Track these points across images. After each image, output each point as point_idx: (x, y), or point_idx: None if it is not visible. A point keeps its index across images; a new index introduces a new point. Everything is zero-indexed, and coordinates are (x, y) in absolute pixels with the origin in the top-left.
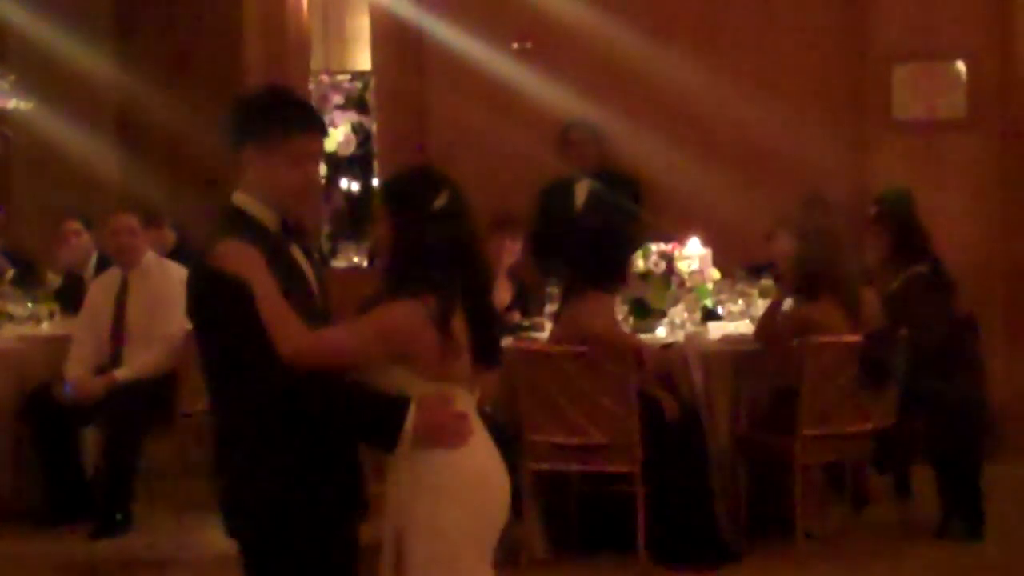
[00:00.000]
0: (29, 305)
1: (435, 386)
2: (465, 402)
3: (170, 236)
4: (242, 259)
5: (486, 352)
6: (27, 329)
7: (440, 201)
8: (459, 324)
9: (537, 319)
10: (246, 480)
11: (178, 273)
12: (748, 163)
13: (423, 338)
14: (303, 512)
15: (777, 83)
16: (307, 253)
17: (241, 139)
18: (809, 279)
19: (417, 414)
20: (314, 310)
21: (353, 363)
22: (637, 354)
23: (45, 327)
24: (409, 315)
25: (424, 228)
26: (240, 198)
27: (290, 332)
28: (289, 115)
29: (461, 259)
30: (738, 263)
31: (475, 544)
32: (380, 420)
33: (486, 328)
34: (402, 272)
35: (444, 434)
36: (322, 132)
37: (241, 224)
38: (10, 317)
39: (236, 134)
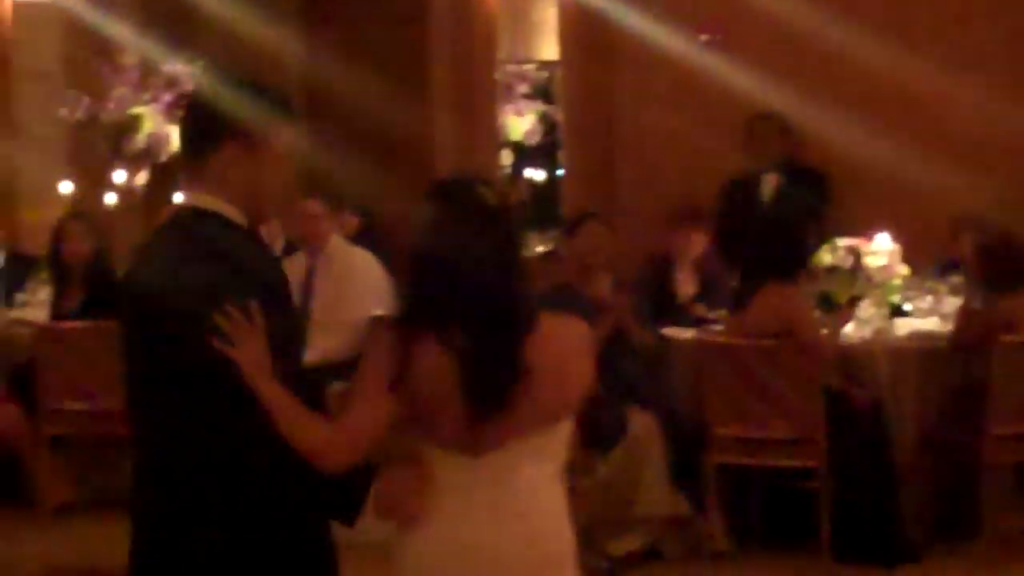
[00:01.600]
0: None
1: (418, 445)
2: (452, 467)
3: (352, 221)
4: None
5: (482, 399)
6: None
7: (489, 198)
8: (438, 366)
9: (722, 312)
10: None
11: (363, 258)
12: (938, 151)
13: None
14: None
15: (973, 64)
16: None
17: (217, 136)
18: (1001, 274)
19: (377, 484)
20: (293, 331)
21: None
22: (825, 347)
23: None
24: (378, 346)
25: (414, 258)
26: (206, 200)
27: (321, 439)
28: (274, 108)
29: (468, 293)
30: (928, 259)
31: None
32: (341, 489)
33: (488, 382)
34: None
35: (388, 512)
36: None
37: (223, 230)
38: None
39: (211, 131)
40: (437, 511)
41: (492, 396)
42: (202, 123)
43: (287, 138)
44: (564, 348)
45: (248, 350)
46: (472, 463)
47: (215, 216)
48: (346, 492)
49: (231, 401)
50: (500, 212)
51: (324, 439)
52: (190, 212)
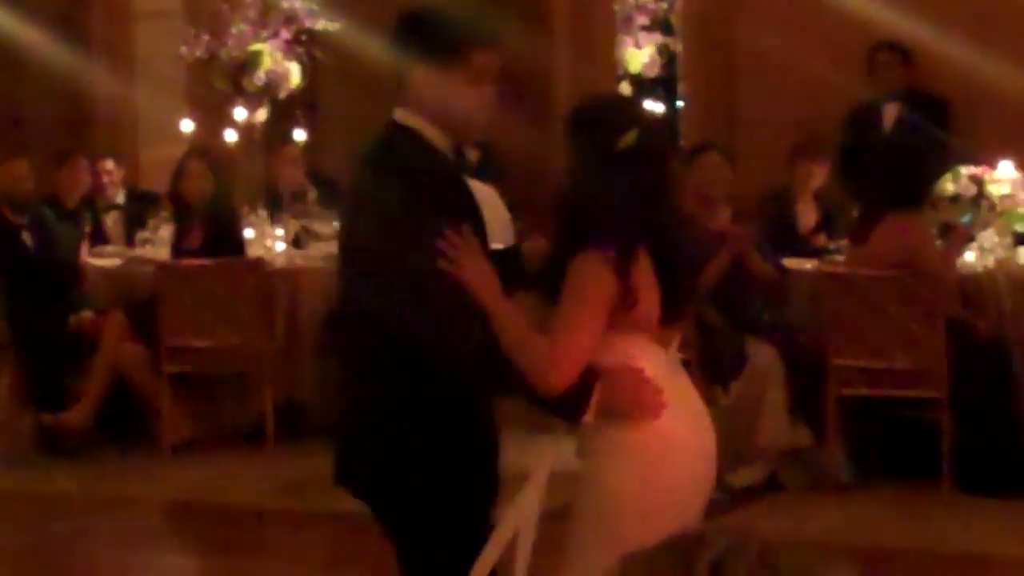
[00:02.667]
0: (334, 224)
1: (621, 337)
2: (654, 356)
3: (471, 154)
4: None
5: (673, 307)
6: (331, 247)
7: (627, 140)
8: (645, 274)
9: (843, 242)
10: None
11: (485, 192)
12: None
13: (607, 288)
14: (445, 480)
15: None
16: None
17: (414, 55)
18: None
19: (604, 387)
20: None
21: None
22: (948, 278)
23: None
24: (592, 269)
25: (606, 169)
26: (408, 117)
27: (541, 359)
28: (471, 29)
29: (647, 205)
30: None
31: (657, 518)
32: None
33: (675, 282)
34: (579, 214)
35: (634, 408)
36: (501, 49)
37: (417, 148)
38: (316, 236)
39: (408, 50)
40: (671, 397)
41: (684, 292)
42: (400, 42)
43: (486, 61)
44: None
45: (474, 270)
46: (665, 355)
47: (414, 135)
48: (571, 394)
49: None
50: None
51: (548, 359)
52: (394, 129)
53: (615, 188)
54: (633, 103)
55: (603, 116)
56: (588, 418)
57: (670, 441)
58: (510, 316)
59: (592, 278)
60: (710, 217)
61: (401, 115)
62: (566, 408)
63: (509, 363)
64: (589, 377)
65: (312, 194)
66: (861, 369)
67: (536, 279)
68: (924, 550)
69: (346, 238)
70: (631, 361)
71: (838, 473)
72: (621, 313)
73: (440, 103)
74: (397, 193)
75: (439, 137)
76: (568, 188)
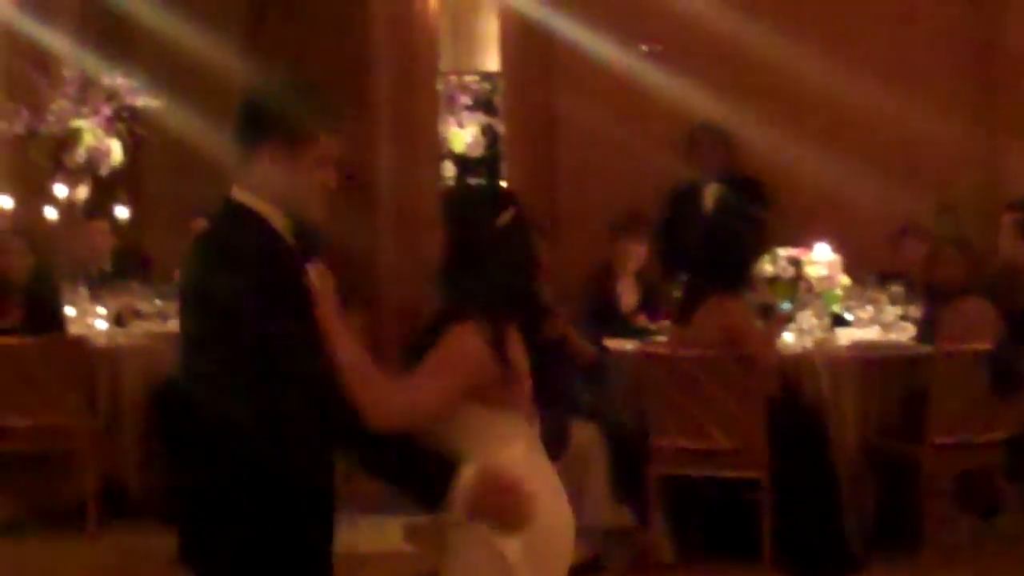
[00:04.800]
0: (156, 302)
1: (495, 415)
2: (528, 439)
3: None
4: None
5: (541, 386)
6: (154, 326)
7: (505, 218)
8: (518, 350)
9: (663, 323)
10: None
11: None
12: (879, 164)
13: (483, 363)
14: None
15: (910, 78)
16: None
17: (262, 136)
18: (953, 282)
19: (475, 485)
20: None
21: (440, 414)
22: (769, 359)
23: (172, 324)
24: (471, 340)
25: (486, 245)
26: (247, 197)
27: (380, 396)
28: (319, 113)
29: (521, 281)
30: (868, 269)
31: None
32: (433, 476)
33: (542, 359)
34: (458, 290)
35: (502, 519)
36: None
37: (256, 228)
38: (138, 314)
39: (256, 130)
40: (546, 483)
41: (548, 372)
42: (248, 120)
43: (332, 144)
44: None
45: (328, 302)
46: (534, 432)
47: (253, 215)
48: (438, 480)
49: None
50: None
51: (383, 396)
52: (231, 207)
53: (494, 263)
54: (504, 188)
55: (482, 197)
56: (452, 511)
57: (557, 530)
58: (354, 348)
59: (464, 349)
60: None
61: (239, 195)
62: (427, 494)
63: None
64: (450, 468)
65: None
66: (682, 449)
67: (409, 350)
68: None
69: (184, 319)
70: (508, 467)
71: (661, 553)
72: (499, 390)
73: (286, 185)
74: (236, 274)
75: (278, 218)
76: (447, 262)
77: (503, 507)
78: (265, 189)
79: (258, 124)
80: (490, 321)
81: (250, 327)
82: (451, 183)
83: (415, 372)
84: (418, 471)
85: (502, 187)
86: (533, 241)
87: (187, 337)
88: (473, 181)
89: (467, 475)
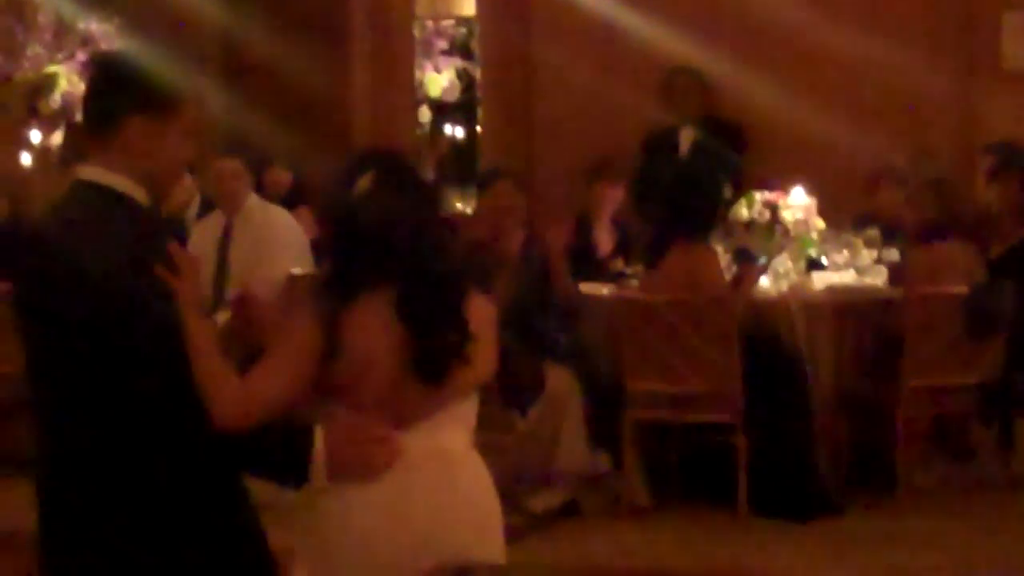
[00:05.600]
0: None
1: (335, 409)
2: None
3: (285, 177)
4: (180, 269)
5: (423, 366)
6: None
7: (363, 183)
8: (380, 335)
9: (639, 267)
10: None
11: (282, 217)
12: (853, 108)
13: (313, 347)
14: None
15: (882, 22)
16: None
17: (123, 108)
18: (930, 225)
19: (328, 438)
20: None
21: (282, 405)
22: (735, 301)
23: None
24: (301, 323)
25: (338, 218)
26: (104, 175)
27: (226, 394)
28: (178, 82)
29: (395, 255)
30: (844, 212)
31: None
32: (284, 448)
33: (428, 336)
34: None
35: (361, 463)
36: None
37: (119, 208)
38: None
39: (116, 102)
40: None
41: (442, 362)
42: (111, 91)
43: (196, 114)
44: (483, 319)
45: (186, 286)
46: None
47: (113, 195)
48: (291, 454)
49: (145, 372)
50: (426, 180)
51: (231, 395)
52: (88, 189)
53: (345, 236)
54: (368, 153)
55: (338, 174)
56: (315, 481)
57: (368, 531)
58: (207, 340)
59: (295, 333)
60: (502, 243)
61: (93, 174)
62: (287, 473)
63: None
64: (304, 437)
65: None
66: (657, 393)
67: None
68: (720, 572)
69: (36, 316)
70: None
71: (636, 497)
72: (330, 377)
73: (154, 155)
74: (116, 259)
75: (142, 196)
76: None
77: (359, 453)
78: (127, 166)
79: (121, 95)
80: (326, 300)
81: (136, 317)
82: (427, 127)
83: (259, 361)
84: (272, 451)
85: (365, 153)
86: (404, 201)
87: (48, 328)
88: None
89: (319, 439)
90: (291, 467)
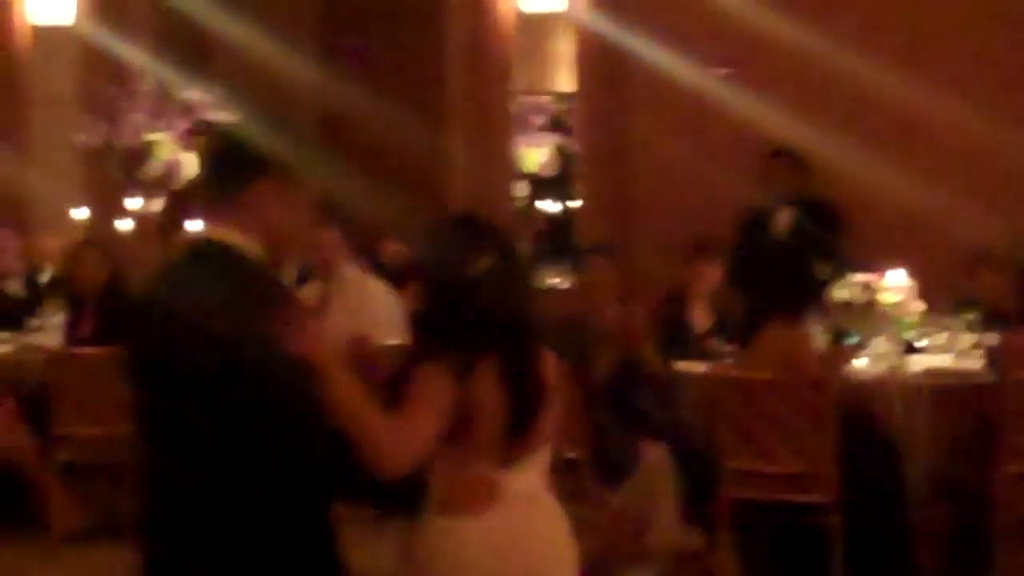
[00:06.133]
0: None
1: (454, 458)
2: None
3: (402, 249)
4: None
5: (518, 418)
6: None
7: (482, 264)
8: (492, 395)
9: (734, 345)
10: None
11: (378, 288)
12: (955, 189)
13: (448, 402)
14: None
15: (990, 99)
16: None
17: (253, 171)
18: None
19: (441, 477)
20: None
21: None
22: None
23: None
24: (437, 379)
25: (459, 296)
26: (227, 235)
27: (387, 447)
28: (300, 145)
29: (502, 327)
30: (942, 295)
31: None
32: (408, 482)
33: (526, 405)
34: (431, 337)
35: (470, 498)
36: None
37: (244, 266)
38: None
39: (246, 165)
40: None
41: (532, 415)
42: (235, 158)
43: (311, 177)
44: (555, 373)
45: (317, 345)
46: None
47: (236, 254)
48: (413, 488)
49: (269, 421)
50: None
51: (395, 439)
52: (209, 245)
53: (471, 313)
54: (486, 224)
55: (456, 241)
56: (432, 512)
57: (496, 551)
58: (355, 392)
59: (433, 388)
60: (598, 319)
61: (213, 232)
62: (405, 499)
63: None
64: (422, 475)
65: None
66: (752, 472)
67: (387, 386)
68: None
69: (170, 367)
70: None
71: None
72: (460, 430)
73: (276, 219)
74: (232, 314)
75: (259, 254)
76: (421, 304)
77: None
78: (250, 228)
79: (250, 159)
80: (455, 362)
81: (264, 374)
82: (524, 202)
83: (402, 415)
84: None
85: (483, 226)
86: (518, 284)
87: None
88: (451, 221)
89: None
90: (412, 499)
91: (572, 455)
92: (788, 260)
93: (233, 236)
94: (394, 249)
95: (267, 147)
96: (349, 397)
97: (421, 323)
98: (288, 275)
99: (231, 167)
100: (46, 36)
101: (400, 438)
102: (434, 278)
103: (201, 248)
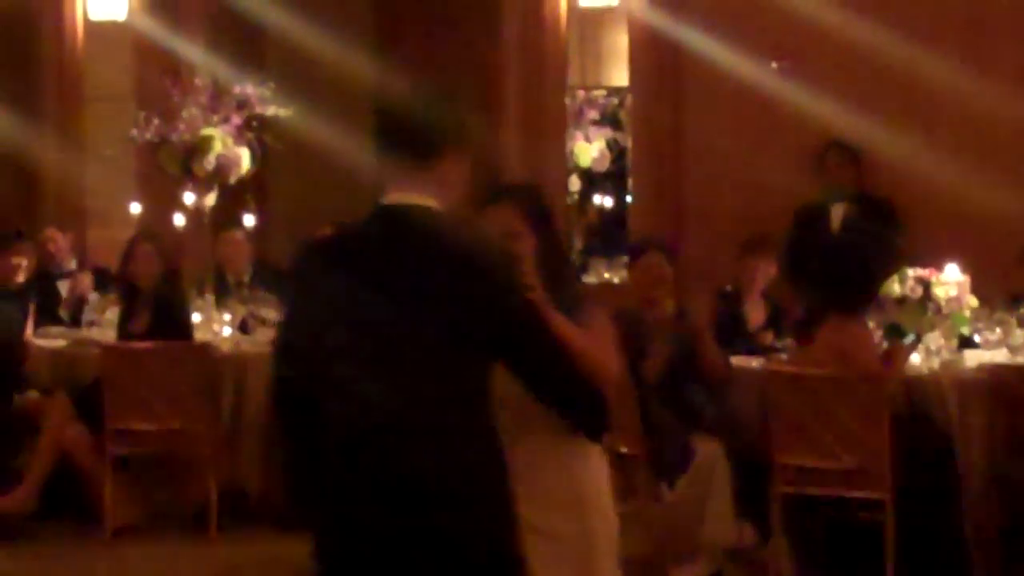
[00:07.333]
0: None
1: None
2: None
3: None
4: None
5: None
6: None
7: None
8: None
9: (789, 341)
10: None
11: None
12: (1012, 182)
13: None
14: None
15: None
16: None
17: (446, 139)
18: None
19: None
20: None
21: None
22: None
23: None
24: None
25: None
26: (423, 200)
27: (612, 373)
28: (466, 117)
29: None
30: (998, 290)
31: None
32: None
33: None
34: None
35: None
36: None
37: (467, 228)
38: (262, 321)
39: (441, 133)
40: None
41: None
42: (437, 121)
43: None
44: None
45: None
46: None
47: (432, 211)
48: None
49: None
50: None
51: (607, 356)
52: (415, 211)
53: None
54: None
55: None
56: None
57: None
58: (572, 327)
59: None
60: (653, 314)
61: (410, 198)
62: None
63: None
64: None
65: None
66: (806, 468)
67: None
68: None
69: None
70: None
71: (782, 572)
72: None
73: (458, 187)
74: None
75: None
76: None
77: None
78: (438, 195)
79: (443, 133)
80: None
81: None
82: (577, 196)
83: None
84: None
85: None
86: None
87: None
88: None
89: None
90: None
91: (626, 451)
92: (845, 256)
93: (428, 202)
94: None
95: (455, 115)
96: (574, 333)
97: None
98: None
99: (430, 132)
100: (101, 31)
101: (609, 355)
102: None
103: (402, 212)
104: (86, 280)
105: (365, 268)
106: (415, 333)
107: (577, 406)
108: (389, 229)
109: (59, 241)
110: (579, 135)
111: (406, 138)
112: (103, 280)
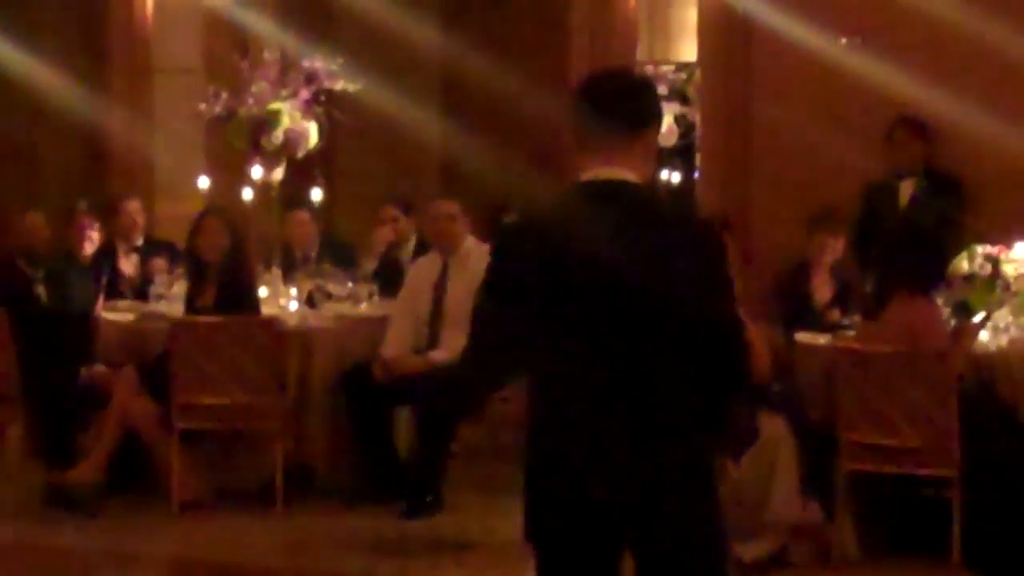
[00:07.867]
0: (349, 285)
1: None
2: None
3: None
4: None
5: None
6: (346, 308)
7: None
8: None
9: (856, 317)
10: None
11: None
12: None
13: None
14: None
15: None
16: None
17: (648, 121)
18: None
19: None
20: None
21: None
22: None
23: (364, 307)
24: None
25: None
26: (628, 175)
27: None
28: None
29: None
30: None
31: None
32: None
33: None
34: None
35: None
36: None
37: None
38: (329, 296)
39: (645, 114)
40: None
41: None
42: (647, 100)
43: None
44: None
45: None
46: None
47: (640, 188)
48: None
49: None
50: None
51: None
52: (626, 183)
53: None
54: None
55: None
56: None
57: None
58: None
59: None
60: None
61: (620, 173)
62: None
63: None
64: None
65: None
66: (872, 445)
67: None
68: None
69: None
70: None
71: (847, 548)
72: None
73: (654, 161)
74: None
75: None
76: None
77: None
78: (639, 170)
79: (648, 111)
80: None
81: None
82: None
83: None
84: None
85: None
86: None
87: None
88: None
89: None
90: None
91: None
92: (915, 234)
93: (633, 176)
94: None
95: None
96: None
97: None
98: (403, 246)
99: (641, 109)
100: (170, 5)
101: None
102: None
103: (621, 185)
104: (160, 263)
105: (606, 239)
106: (659, 295)
107: (732, 377)
108: (618, 201)
109: (138, 215)
110: None
111: (627, 108)
112: (171, 255)
